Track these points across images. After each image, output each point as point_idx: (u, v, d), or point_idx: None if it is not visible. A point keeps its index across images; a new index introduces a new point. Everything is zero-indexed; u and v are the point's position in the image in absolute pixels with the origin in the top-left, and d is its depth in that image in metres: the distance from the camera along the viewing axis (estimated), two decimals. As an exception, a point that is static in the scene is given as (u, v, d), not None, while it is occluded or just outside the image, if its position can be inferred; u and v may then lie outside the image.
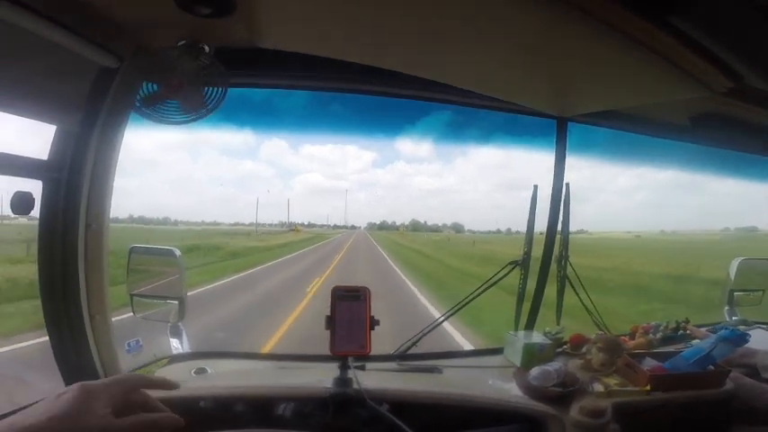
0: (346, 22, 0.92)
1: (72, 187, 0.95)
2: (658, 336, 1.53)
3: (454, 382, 1.32)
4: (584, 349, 1.43)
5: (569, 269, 1.54)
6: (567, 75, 1.11)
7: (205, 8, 0.84)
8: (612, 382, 1.21)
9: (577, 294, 1.56)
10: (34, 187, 0.93)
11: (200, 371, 1.24)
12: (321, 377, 1.04)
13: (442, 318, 1.59)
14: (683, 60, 0.91)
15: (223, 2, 0.83)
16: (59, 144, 0.94)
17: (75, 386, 0.55)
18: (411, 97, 1.37)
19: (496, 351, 1.49)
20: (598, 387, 1.19)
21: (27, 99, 0.86)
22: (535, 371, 1.18)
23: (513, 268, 1.49)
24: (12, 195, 0.88)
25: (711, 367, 1.23)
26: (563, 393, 1.13)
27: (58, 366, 1.03)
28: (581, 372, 1.27)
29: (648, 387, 1.17)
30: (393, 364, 1.38)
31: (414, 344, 1.46)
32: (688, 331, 1.57)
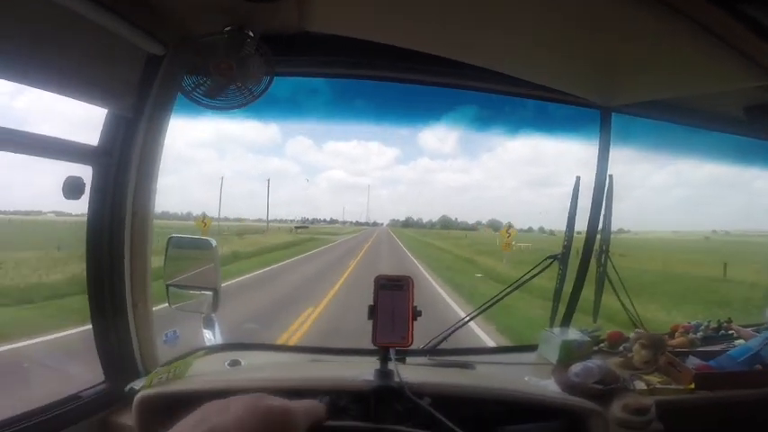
0: (391, 3, 0.90)
1: (120, 173, 0.97)
2: (699, 335, 1.51)
3: (489, 378, 1.31)
4: (621, 348, 1.42)
5: (609, 266, 1.52)
6: (615, 62, 1.08)
7: None
8: (655, 380, 1.20)
9: (616, 292, 1.53)
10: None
11: (234, 363, 1.25)
12: (359, 370, 1.05)
13: (475, 313, 1.59)
14: (748, 46, 0.88)
15: None
16: (109, 130, 0.96)
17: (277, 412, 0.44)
18: (449, 85, 1.35)
19: (530, 348, 1.48)
20: (640, 385, 1.18)
21: (81, 83, 0.88)
22: (576, 367, 1.18)
23: (551, 262, 1.47)
24: (64, 180, 0.90)
25: (759, 366, 1.22)
26: (604, 390, 1.12)
27: (97, 351, 1.05)
28: (621, 369, 1.26)
29: (693, 385, 1.16)
30: (425, 359, 1.38)
31: (444, 339, 1.45)
32: (731, 331, 1.54)
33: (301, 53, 1.14)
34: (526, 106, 1.54)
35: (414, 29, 1.02)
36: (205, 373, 1.13)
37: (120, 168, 0.97)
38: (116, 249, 0.99)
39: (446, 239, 38.20)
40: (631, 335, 1.41)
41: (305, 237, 31.39)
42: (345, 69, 1.26)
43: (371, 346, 1.01)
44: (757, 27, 0.82)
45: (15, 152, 0.82)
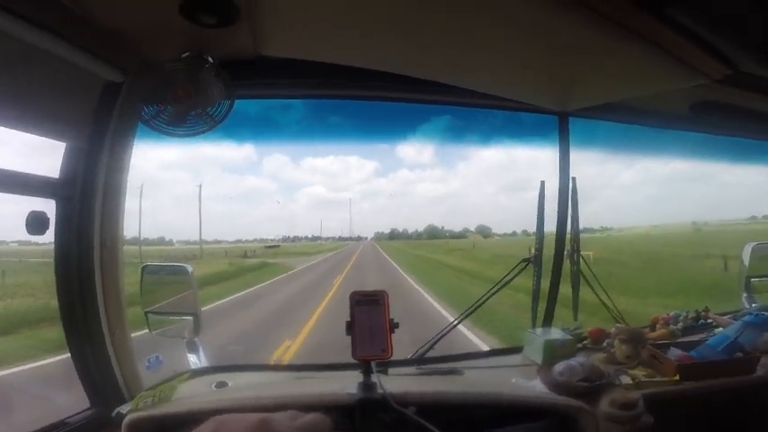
0: (348, 26, 0.95)
1: (85, 205, 0.97)
2: (679, 326, 1.54)
3: (476, 383, 1.31)
4: (604, 344, 1.44)
5: (582, 264, 1.56)
6: (566, 69, 1.15)
7: (210, 17, 0.87)
8: (640, 373, 1.22)
9: (592, 289, 1.57)
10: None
11: (221, 384, 1.24)
12: (342, 385, 1.04)
13: (457, 320, 1.59)
14: (681, 50, 0.94)
15: (227, 10, 0.86)
16: (70, 161, 0.96)
17: None
18: (414, 101, 1.40)
19: (515, 350, 1.50)
20: (625, 379, 1.19)
21: (35, 116, 0.88)
22: (560, 366, 1.19)
23: (525, 266, 1.51)
24: (27, 215, 0.90)
25: (740, 354, 1.25)
26: (590, 387, 1.13)
27: (81, 383, 1.04)
28: (605, 365, 1.27)
29: (677, 377, 1.17)
30: (412, 369, 1.38)
31: (431, 347, 1.46)
32: (710, 320, 1.58)
33: (260, 77, 1.17)
34: (496, 115, 1.60)
35: (369, 49, 1.06)
36: (192, 395, 1.13)
37: (85, 200, 0.97)
38: (86, 281, 0.98)
39: (438, 250, 34.07)
40: (612, 330, 1.43)
41: (252, 263, 21.84)
42: (306, 90, 1.30)
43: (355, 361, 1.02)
44: (685, 31, 0.89)
45: None
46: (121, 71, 0.97)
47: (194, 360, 1.31)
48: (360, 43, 1.04)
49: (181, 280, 1.26)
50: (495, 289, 1.50)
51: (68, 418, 0.98)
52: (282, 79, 1.22)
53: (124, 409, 0.97)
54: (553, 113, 1.47)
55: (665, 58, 0.97)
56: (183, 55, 0.98)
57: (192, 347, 1.30)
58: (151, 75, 0.98)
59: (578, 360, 1.21)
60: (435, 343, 1.46)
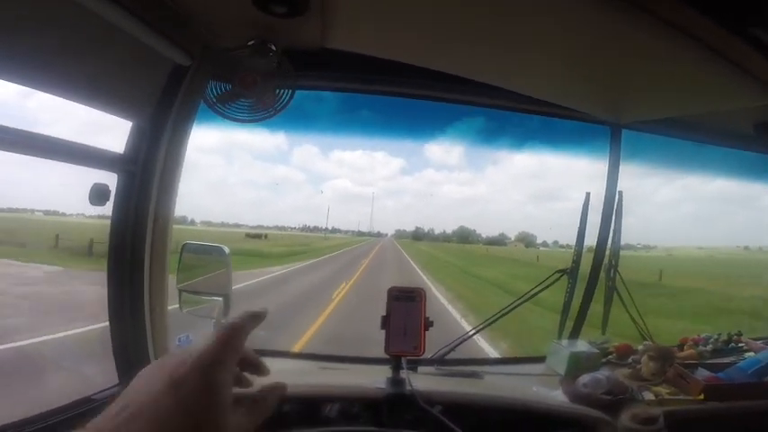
0: (408, 24, 0.96)
1: (144, 181, 1.01)
2: (709, 347, 1.55)
3: (497, 388, 1.35)
4: (630, 360, 1.46)
5: (618, 279, 1.56)
6: (624, 79, 1.13)
7: (280, 7, 0.89)
8: (664, 391, 1.24)
9: (624, 305, 1.57)
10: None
11: None
12: (369, 378, 1.09)
13: (481, 326, 1.62)
14: (755, 66, 0.93)
15: (298, 1, 0.88)
16: (134, 139, 1.01)
17: (187, 369, 0.35)
18: (463, 102, 1.40)
19: (538, 359, 1.52)
20: (648, 395, 1.21)
21: (106, 94, 0.93)
22: (585, 378, 1.22)
23: (560, 276, 1.52)
24: (90, 186, 0.96)
25: (768, 378, 1.26)
26: (612, 401, 1.15)
27: (113, 353, 1.08)
28: (630, 381, 1.29)
29: (702, 396, 1.19)
30: (432, 368, 1.42)
31: (452, 349, 1.49)
32: (741, 344, 1.58)
33: (319, 68, 1.20)
34: (533, 119, 1.59)
35: (428, 47, 1.08)
36: None
37: (144, 176, 1.01)
38: (137, 255, 1.03)
39: (483, 261, 26.47)
40: (640, 347, 1.45)
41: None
42: (360, 85, 1.32)
43: (381, 355, 1.06)
44: (762, 47, 0.88)
45: (43, 157, 0.84)
46: (189, 55, 1.00)
47: None
48: (417, 41, 1.06)
49: (217, 260, 1.31)
50: (526, 297, 1.52)
51: (94, 394, 1.02)
52: (337, 72, 1.25)
53: None
54: (605, 124, 1.46)
55: (739, 74, 0.96)
56: (249, 42, 1.01)
57: None
58: (217, 60, 1.01)
59: (603, 373, 1.23)
60: (457, 345, 1.50)
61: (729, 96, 1.12)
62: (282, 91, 1.01)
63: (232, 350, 0.38)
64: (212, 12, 0.94)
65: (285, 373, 1.34)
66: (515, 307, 1.53)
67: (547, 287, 1.51)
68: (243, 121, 1.01)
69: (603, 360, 1.45)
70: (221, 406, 0.35)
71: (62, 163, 0.88)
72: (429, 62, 1.16)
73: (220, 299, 1.28)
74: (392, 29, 1.00)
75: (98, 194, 0.96)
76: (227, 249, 1.31)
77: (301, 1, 0.89)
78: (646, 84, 1.14)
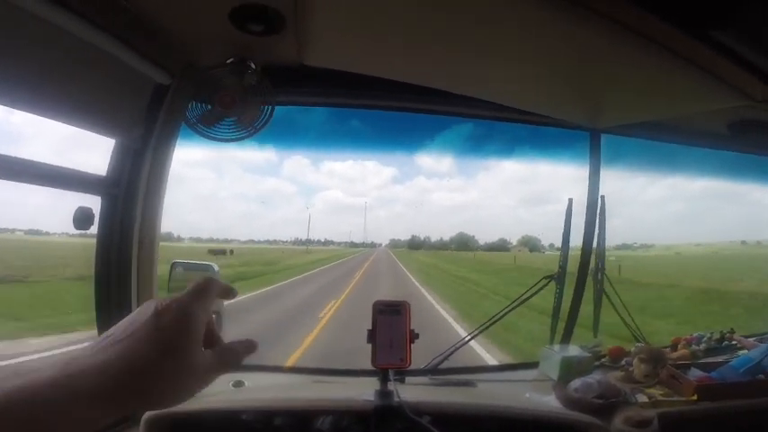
0: (384, 40, 0.99)
1: (128, 203, 1.02)
2: (702, 347, 1.55)
3: (490, 396, 1.35)
4: (623, 362, 1.46)
5: (606, 283, 1.58)
6: (601, 87, 1.16)
7: (257, 25, 0.92)
8: (657, 392, 1.24)
9: (614, 308, 1.58)
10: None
11: (238, 383, 1.29)
12: (358, 391, 1.09)
13: (472, 334, 1.63)
14: (723, 70, 0.96)
15: (275, 20, 0.91)
16: (117, 160, 1.02)
17: (169, 302, 0.40)
18: (443, 113, 1.43)
19: (530, 365, 1.52)
20: (641, 398, 1.21)
21: (88, 114, 0.94)
22: (576, 383, 1.22)
23: (548, 282, 1.54)
24: (75, 210, 0.97)
25: (762, 377, 1.26)
26: (605, 405, 1.15)
27: None
28: (622, 383, 1.29)
29: (695, 397, 1.19)
30: (425, 378, 1.43)
31: (445, 358, 1.50)
32: (734, 341, 1.59)
33: (300, 84, 1.22)
34: (519, 127, 1.63)
35: (403, 62, 1.10)
36: (209, 393, 1.18)
37: (128, 199, 1.03)
38: (123, 278, 1.04)
39: (486, 268, 23.90)
40: (632, 349, 1.45)
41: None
42: (342, 99, 1.34)
43: (371, 367, 1.07)
44: (727, 51, 0.90)
45: (26, 182, 0.86)
46: (169, 74, 1.02)
47: None
48: (394, 57, 1.08)
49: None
50: (514, 305, 1.53)
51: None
52: (318, 88, 1.27)
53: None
54: (584, 130, 1.49)
55: (706, 77, 0.99)
56: (228, 60, 1.04)
57: None
58: (197, 79, 1.04)
59: (594, 377, 1.24)
60: (450, 355, 1.50)
61: (701, 100, 1.15)
62: (263, 108, 1.03)
63: (206, 295, 0.43)
64: (191, 30, 0.97)
65: (278, 388, 1.34)
66: (506, 314, 1.54)
67: (535, 293, 1.53)
68: (224, 141, 1.03)
69: (596, 363, 1.46)
70: (193, 336, 0.40)
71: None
72: (407, 76, 1.18)
73: (213, 316, 1.29)
74: (369, 45, 1.02)
75: (82, 218, 0.97)
76: (216, 267, 1.33)
77: (278, 20, 0.92)
78: (620, 90, 1.17)
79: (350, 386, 1.37)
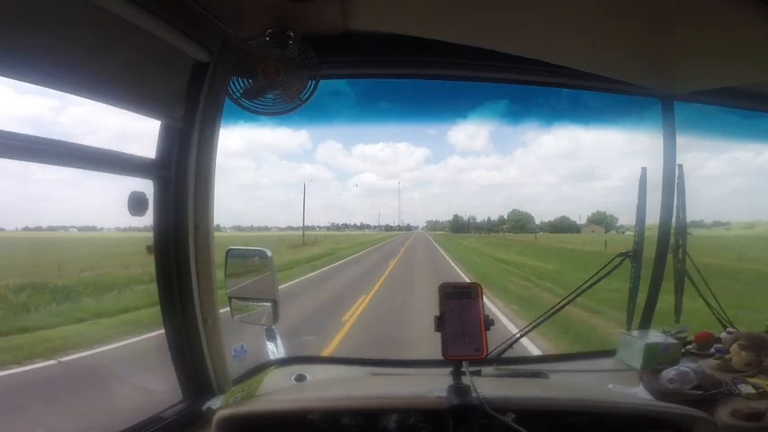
0: None
1: (179, 186, 0.98)
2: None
3: (568, 388, 1.25)
4: (712, 349, 1.34)
5: (688, 261, 1.44)
6: (679, 49, 1.05)
7: None
8: (763, 382, 1.11)
9: (698, 290, 1.44)
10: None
11: (300, 377, 1.27)
12: (428, 385, 1.02)
13: (538, 321, 1.52)
14: None
15: None
16: (164, 141, 0.98)
17: None
18: (499, 80, 1.34)
19: (606, 353, 1.42)
20: (747, 389, 1.09)
21: (132, 94, 0.91)
22: (669, 372, 1.11)
23: (622, 260, 1.41)
24: (128, 196, 0.93)
25: None
26: (705, 396, 1.05)
27: (175, 370, 1.07)
28: (719, 373, 1.17)
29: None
30: (490, 369, 1.34)
31: (509, 346, 1.40)
32: None
33: (341, 54, 1.15)
34: (559, 99, 1.53)
35: (456, 20, 1.02)
36: (273, 389, 1.15)
37: (179, 181, 0.98)
38: (183, 266, 1.00)
39: None
40: (722, 335, 1.33)
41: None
42: (386, 69, 1.27)
43: (435, 356, 0.98)
44: None
45: (77, 167, 0.84)
46: (208, 51, 0.98)
47: (272, 348, 1.33)
48: (444, 14, 1.00)
49: (262, 264, 1.28)
50: (584, 286, 1.41)
51: (162, 412, 1.02)
52: (360, 57, 1.20)
53: (214, 404, 1.00)
54: (656, 96, 1.37)
55: None
56: (268, 31, 0.97)
57: (270, 335, 1.32)
58: (237, 52, 0.98)
59: (690, 366, 1.12)
60: (514, 342, 1.41)
61: None
62: (307, 80, 0.97)
63: None
64: (227, 2, 0.92)
65: (340, 383, 1.29)
66: (575, 297, 1.43)
67: (608, 274, 1.40)
68: (270, 114, 0.97)
69: (682, 350, 1.34)
70: None
71: (97, 175, 0.87)
72: (459, 37, 1.10)
73: (269, 304, 1.25)
74: (418, 3, 0.94)
75: (136, 203, 0.93)
76: (269, 252, 1.29)
77: None
78: (701, 52, 1.06)
79: (416, 379, 1.30)
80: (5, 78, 0.70)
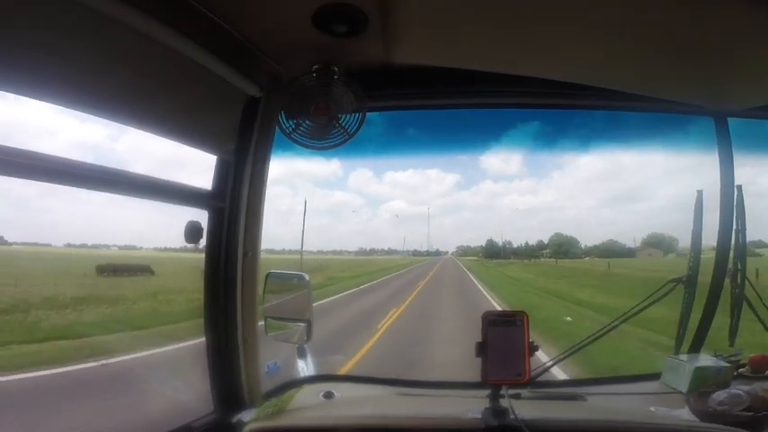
0: (481, 25, 0.91)
1: (232, 216, 1.06)
2: None
3: (607, 411, 1.22)
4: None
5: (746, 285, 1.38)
6: (732, 65, 1.00)
7: (341, 26, 0.91)
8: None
9: (757, 315, 1.39)
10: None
11: (328, 395, 1.30)
12: (456, 406, 1.04)
13: (582, 344, 1.49)
14: None
15: (358, 18, 0.89)
16: (220, 173, 1.06)
17: None
18: (541, 106, 1.36)
19: (646, 377, 1.39)
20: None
21: (188, 128, 0.99)
22: (720, 395, 1.08)
23: (674, 286, 1.37)
24: (185, 224, 1.02)
25: None
26: (754, 418, 1.02)
27: (210, 383, 1.13)
28: (772, 395, 1.12)
29: None
30: (525, 391, 1.33)
31: (546, 369, 1.39)
32: None
33: (383, 86, 1.19)
34: (595, 119, 1.50)
35: (500, 50, 1.03)
36: (302, 405, 1.20)
37: (232, 211, 1.06)
38: (229, 289, 1.08)
39: None
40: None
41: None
42: (425, 100, 1.31)
43: (467, 379, 1.01)
44: None
45: (138, 196, 0.93)
46: (259, 86, 1.05)
47: (302, 366, 1.39)
48: (488, 45, 1.01)
49: (298, 286, 1.35)
50: (631, 312, 1.38)
51: (193, 422, 1.07)
52: (405, 89, 1.24)
53: (245, 417, 1.06)
54: (706, 114, 1.34)
55: None
56: (314, 67, 1.03)
57: (302, 353, 1.39)
58: (286, 89, 1.04)
59: (742, 388, 1.10)
60: (550, 367, 1.40)
61: None
62: (353, 113, 1.02)
63: None
64: (276, 39, 0.98)
65: (369, 402, 1.32)
66: (620, 323, 1.40)
67: (658, 300, 1.36)
68: (321, 149, 1.03)
69: (734, 374, 1.28)
70: None
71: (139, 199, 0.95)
72: (499, 66, 1.11)
73: (303, 324, 1.32)
74: (460, 33, 0.96)
75: (193, 231, 1.02)
76: (307, 276, 1.36)
77: (361, 18, 0.89)
78: (756, 67, 1.02)
79: (447, 400, 1.32)
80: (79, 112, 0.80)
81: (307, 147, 1.03)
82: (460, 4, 0.84)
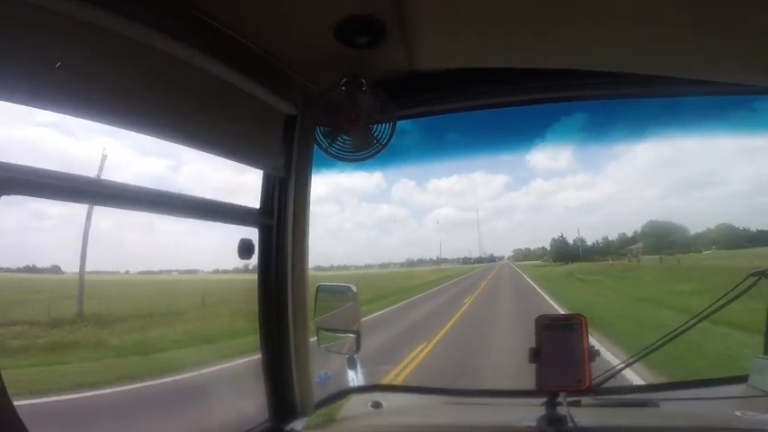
0: (504, 24, 0.90)
1: (280, 232, 1.14)
2: None
3: (685, 416, 1.14)
4: None
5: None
6: None
7: (363, 37, 0.94)
8: None
9: None
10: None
11: (377, 404, 1.33)
12: (511, 414, 1.01)
13: (650, 349, 1.39)
14: None
15: (378, 29, 0.91)
16: (266, 190, 1.15)
17: None
18: (591, 97, 1.30)
19: (733, 380, 1.27)
20: None
21: (236, 146, 1.07)
22: None
23: (757, 280, 1.23)
24: (238, 242, 1.11)
25: None
26: None
27: (265, 392, 1.19)
28: None
29: None
30: (588, 399, 1.26)
31: (612, 375, 1.30)
32: None
33: (411, 94, 1.22)
34: (648, 104, 1.40)
35: (529, 45, 1.00)
36: (351, 414, 1.24)
37: (279, 227, 1.14)
38: (281, 302, 1.15)
39: None
40: None
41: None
42: (456, 103, 1.31)
43: (519, 387, 0.97)
44: None
45: (194, 218, 1.03)
46: (294, 104, 1.12)
47: (352, 376, 1.43)
48: (514, 40, 0.98)
49: (347, 298, 1.41)
50: (709, 310, 1.26)
51: (250, 429, 1.13)
52: (434, 94, 1.26)
53: (297, 425, 1.11)
54: None
55: None
56: (342, 80, 1.08)
57: (352, 363, 1.43)
58: (318, 105, 1.10)
59: None
60: (618, 372, 1.31)
61: None
62: (384, 123, 1.05)
63: None
64: (301, 56, 1.04)
65: (418, 411, 1.32)
66: (697, 322, 1.26)
67: (738, 296, 1.21)
68: (356, 160, 1.07)
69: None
70: None
71: (197, 227, 1.05)
72: (530, 61, 1.09)
73: (352, 335, 1.36)
74: (485, 33, 0.95)
75: (245, 248, 1.11)
76: (354, 288, 1.42)
77: (381, 28, 0.91)
78: None
79: (496, 409, 1.28)
80: (140, 136, 0.89)
81: (343, 160, 1.07)
82: (477, 4, 0.83)
